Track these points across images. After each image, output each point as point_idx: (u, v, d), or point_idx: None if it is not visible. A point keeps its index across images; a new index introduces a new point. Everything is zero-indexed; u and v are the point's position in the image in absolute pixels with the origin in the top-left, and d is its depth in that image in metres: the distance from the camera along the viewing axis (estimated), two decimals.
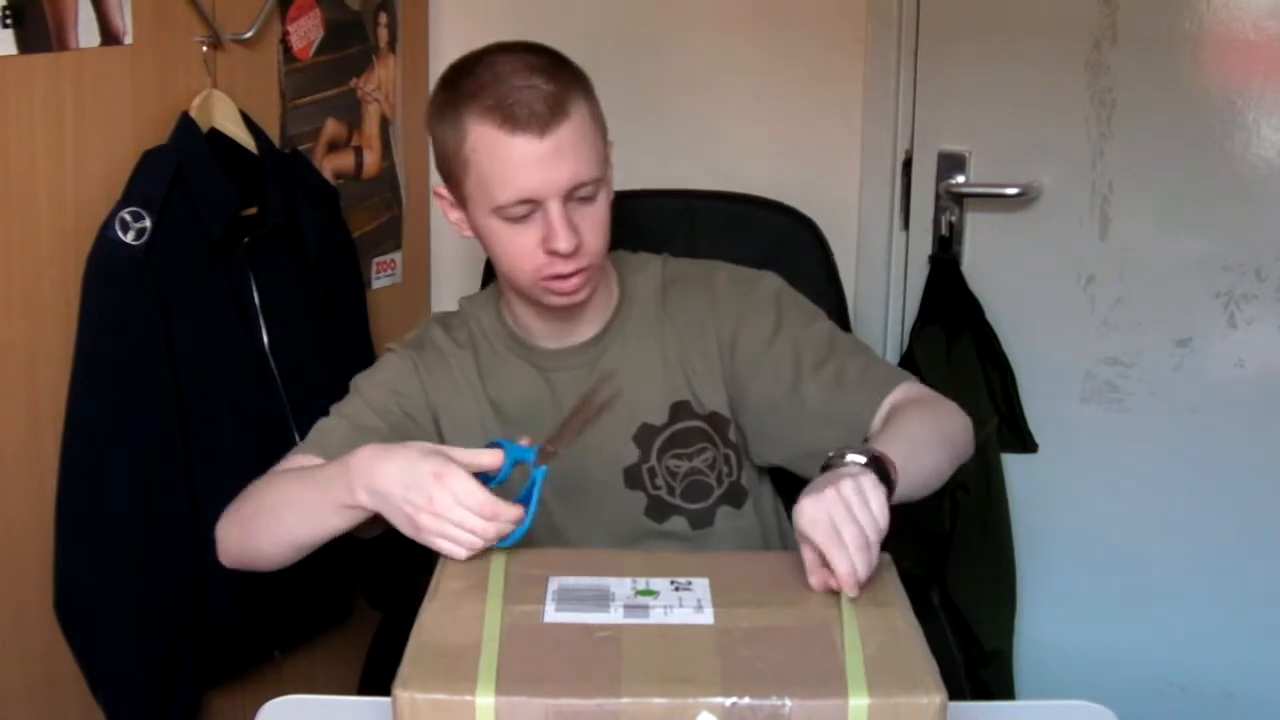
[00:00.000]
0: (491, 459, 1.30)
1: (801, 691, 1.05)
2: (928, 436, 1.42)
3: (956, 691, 1.10)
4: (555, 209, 1.41)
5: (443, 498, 1.24)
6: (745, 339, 1.53)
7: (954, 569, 2.17)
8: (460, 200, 1.48)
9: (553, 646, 1.10)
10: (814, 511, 1.18)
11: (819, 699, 1.04)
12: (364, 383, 1.56)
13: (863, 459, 1.26)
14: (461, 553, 1.25)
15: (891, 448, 1.30)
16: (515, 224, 1.43)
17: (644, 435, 1.54)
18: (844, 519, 1.17)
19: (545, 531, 1.50)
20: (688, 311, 1.56)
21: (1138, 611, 2.22)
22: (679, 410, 1.55)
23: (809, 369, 1.51)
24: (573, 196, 1.42)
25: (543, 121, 1.38)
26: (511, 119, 1.39)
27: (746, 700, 1.04)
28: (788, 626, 1.14)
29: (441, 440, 1.52)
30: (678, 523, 1.55)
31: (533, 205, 1.41)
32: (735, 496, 1.57)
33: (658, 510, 1.55)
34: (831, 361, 1.51)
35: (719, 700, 1.04)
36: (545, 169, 1.39)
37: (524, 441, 1.33)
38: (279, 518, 1.41)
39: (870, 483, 1.21)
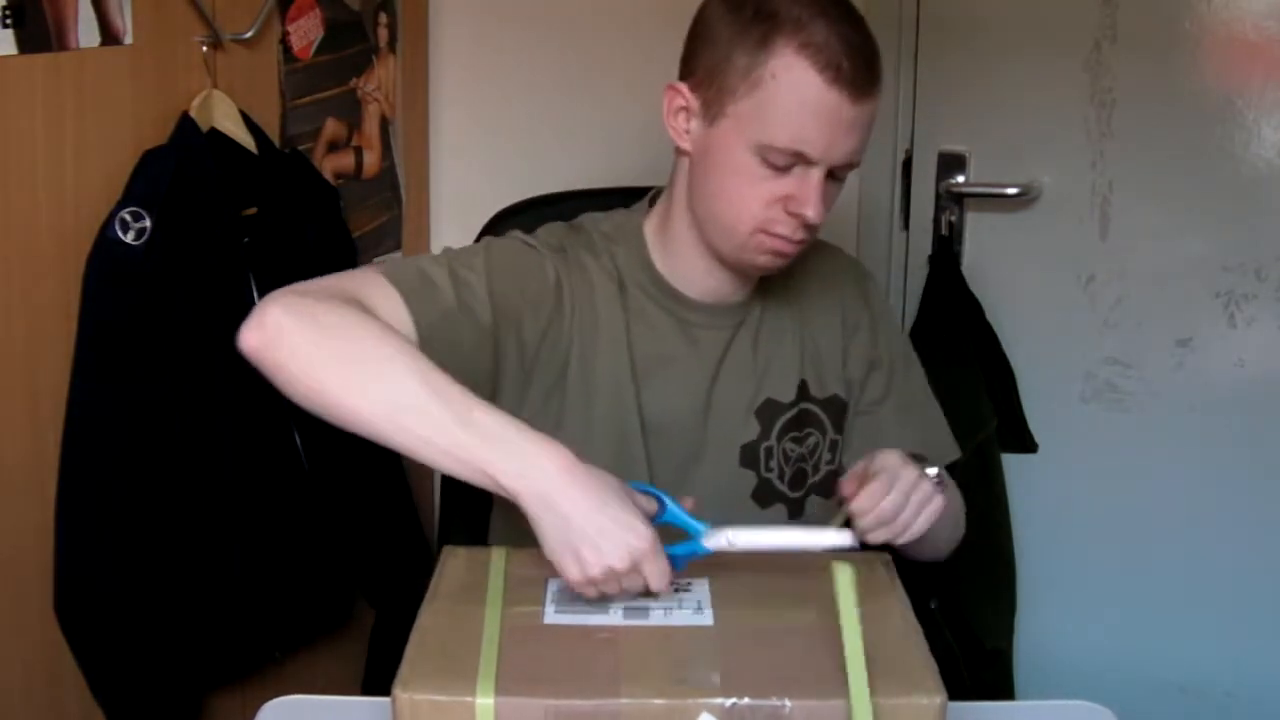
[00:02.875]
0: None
1: (801, 692, 1.05)
2: (954, 514, 1.48)
3: (957, 691, 1.10)
4: (818, 176, 1.32)
5: (633, 581, 1.14)
6: (861, 335, 1.53)
7: (954, 569, 2.17)
8: (709, 113, 1.34)
9: (552, 647, 1.10)
10: (897, 464, 1.25)
11: (819, 699, 1.04)
12: (495, 258, 1.35)
13: (934, 474, 1.29)
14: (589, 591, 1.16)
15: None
16: (769, 170, 1.32)
17: (767, 411, 1.47)
18: (911, 490, 1.24)
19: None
20: (814, 286, 1.52)
21: (1138, 611, 2.22)
22: (803, 390, 1.49)
23: (896, 395, 1.54)
24: (834, 171, 1.34)
25: (862, 88, 1.30)
26: (836, 70, 1.28)
27: (746, 701, 1.04)
28: (787, 627, 1.14)
29: (557, 385, 1.38)
30: (778, 511, 1.49)
31: (799, 159, 1.31)
32: (828, 487, 1.51)
33: (764, 494, 1.48)
34: (918, 404, 1.57)
35: (719, 701, 1.04)
36: (839, 134, 1.31)
37: (687, 505, 1.24)
38: (385, 396, 1.16)
39: (938, 502, 1.28)
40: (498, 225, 1.80)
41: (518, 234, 1.44)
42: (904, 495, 1.25)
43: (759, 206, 1.34)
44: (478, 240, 1.59)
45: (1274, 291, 2.07)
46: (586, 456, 1.17)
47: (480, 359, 1.34)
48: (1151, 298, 2.13)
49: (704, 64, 1.35)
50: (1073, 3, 2.08)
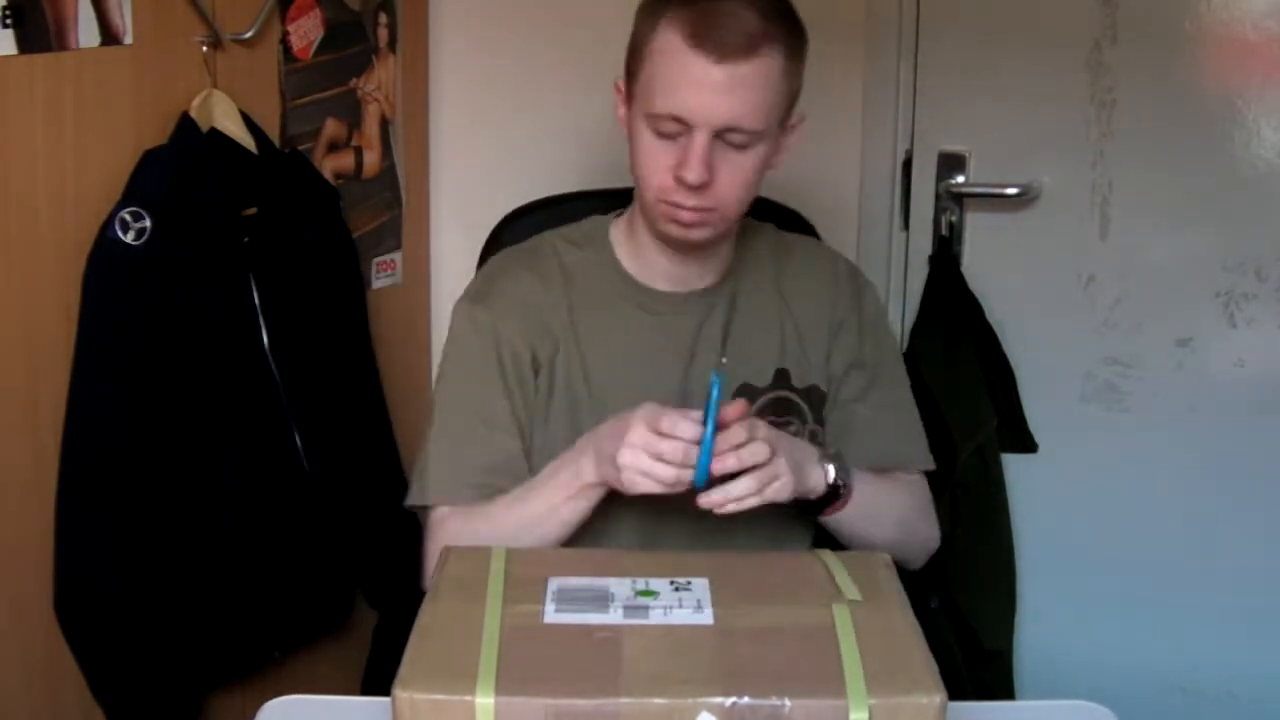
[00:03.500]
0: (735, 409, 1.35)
1: (801, 691, 1.05)
2: (898, 515, 1.54)
3: (957, 691, 1.10)
4: (700, 139, 1.37)
5: (656, 440, 1.31)
6: (847, 336, 1.57)
7: (954, 569, 2.17)
8: (629, 97, 1.45)
9: (552, 647, 1.10)
10: (766, 439, 1.33)
11: (819, 699, 1.04)
12: (464, 395, 1.53)
13: (832, 471, 1.41)
14: (654, 486, 1.33)
15: (868, 489, 1.46)
16: (659, 139, 1.40)
17: (743, 395, 1.52)
18: (773, 448, 1.32)
19: (623, 504, 1.48)
20: (804, 284, 1.57)
21: (1138, 611, 2.22)
22: (780, 378, 1.54)
23: (874, 398, 1.57)
24: (724, 137, 1.38)
25: (727, 50, 1.35)
26: (700, 35, 1.35)
27: (746, 700, 1.04)
28: (788, 626, 1.14)
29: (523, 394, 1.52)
30: None
31: (682, 127, 1.38)
32: None
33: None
34: (893, 408, 1.59)
35: (719, 700, 1.04)
36: (708, 96, 1.36)
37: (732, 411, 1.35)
38: (536, 526, 1.45)
39: (778, 489, 1.35)
40: (505, 229, 1.81)
41: (464, 309, 1.56)
42: (740, 463, 1.32)
43: (657, 176, 1.41)
44: (487, 242, 1.80)
45: (1274, 291, 2.07)
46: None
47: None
48: (1151, 298, 2.13)
49: (628, 57, 1.46)
50: (1073, 3, 2.08)
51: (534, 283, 1.54)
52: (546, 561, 1.26)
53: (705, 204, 1.41)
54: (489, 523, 1.46)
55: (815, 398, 1.56)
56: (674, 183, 1.40)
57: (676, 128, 1.38)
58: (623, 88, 1.47)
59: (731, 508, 1.33)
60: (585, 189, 1.88)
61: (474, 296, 1.56)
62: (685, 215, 1.42)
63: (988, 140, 2.17)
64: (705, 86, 1.36)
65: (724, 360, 1.49)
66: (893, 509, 1.54)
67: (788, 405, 1.54)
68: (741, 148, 1.40)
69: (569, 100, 2.27)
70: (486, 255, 1.79)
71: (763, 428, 1.36)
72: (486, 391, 1.51)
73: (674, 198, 1.41)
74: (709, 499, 1.32)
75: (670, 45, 1.37)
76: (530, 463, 1.52)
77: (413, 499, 1.53)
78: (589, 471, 1.40)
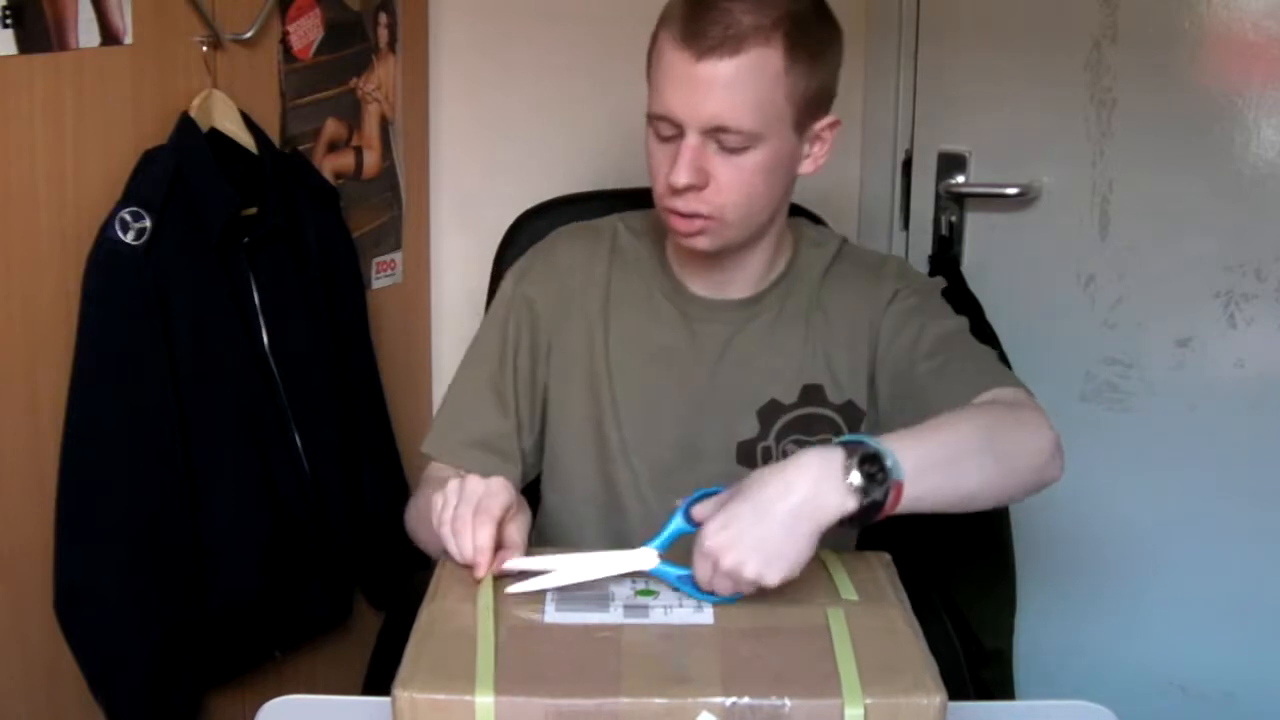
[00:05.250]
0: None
1: (801, 691, 1.05)
2: (975, 446, 1.26)
3: (958, 691, 1.10)
4: (690, 140, 1.35)
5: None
6: (888, 322, 1.47)
7: (954, 569, 2.17)
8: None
9: (552, 646, 1.10)
10: (721, 540, 1.14)
11: (818, 699, 1.04)
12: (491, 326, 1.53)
13: (858, 477, 1.15)
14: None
15: (918, 450, 1.19)
16: (661, 142, 1.38)
17: (769, 412, 1.48)
18: (725, 560, 1.14)
19: (635, 499, 1.49)
20: (846, 297, 1.50)
21: (1138, 611, 2.22)
22: (811, 394, 1.49)
23: (923, 355, 1.44)
24: (718, 139, 1.35)
25: (708, 47, 1.32)
26: (686, 33, 1.33)
27: (746, 700, 1.04)
28: (787, 627, 1.14)
29: (547, 368, 1.51)
30: None
31: (677, 130, 1.35)
32: None
33: None
34: (944, 354, 1.44)
35: (719, 700, 1.04)
36: (689, 93, 1.33)
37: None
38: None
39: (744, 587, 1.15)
40: (520, 228, 1.82)
41: (508, 278, 1.55)
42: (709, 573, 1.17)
43: (657, 182, 1.39)
44: (502, 241, 1.81)
45: (1274, 291, 2.07)
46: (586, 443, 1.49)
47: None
48: (1151, 298, 2.13)
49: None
50: (1073, 3, 2.08)
51: (582, 261, 1.53)
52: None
53: (701, 209, 1.37)
54: (424, 496, 1.42)
55: (852, 414, 1.50)
56: (667, 188, 1.37)
57: (672, 130, 1.36)
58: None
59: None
60: (597, 189, 1.88)
61: (518, 268, 1.56)
62: (680, 222, 1.39)
63: (988, 140, 2.17)
64: (689, 84, 1.33)
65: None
66: (970, 444, 1.26)
67: (818, 422, 1.49)
68: (738, 150, 1.35)
69: (570, 100, 2.27)
70: (501, 254, 1.80)
71: (709, 537, 1.16)
72: (495, 365, 1.52)
73: (671, 203, 1.38)
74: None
75: (663, 45, 1.36)
76: (547, 439, 1.53)
77: (423, 446, 1.55)
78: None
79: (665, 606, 1.16)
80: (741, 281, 1.50)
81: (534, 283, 1.53)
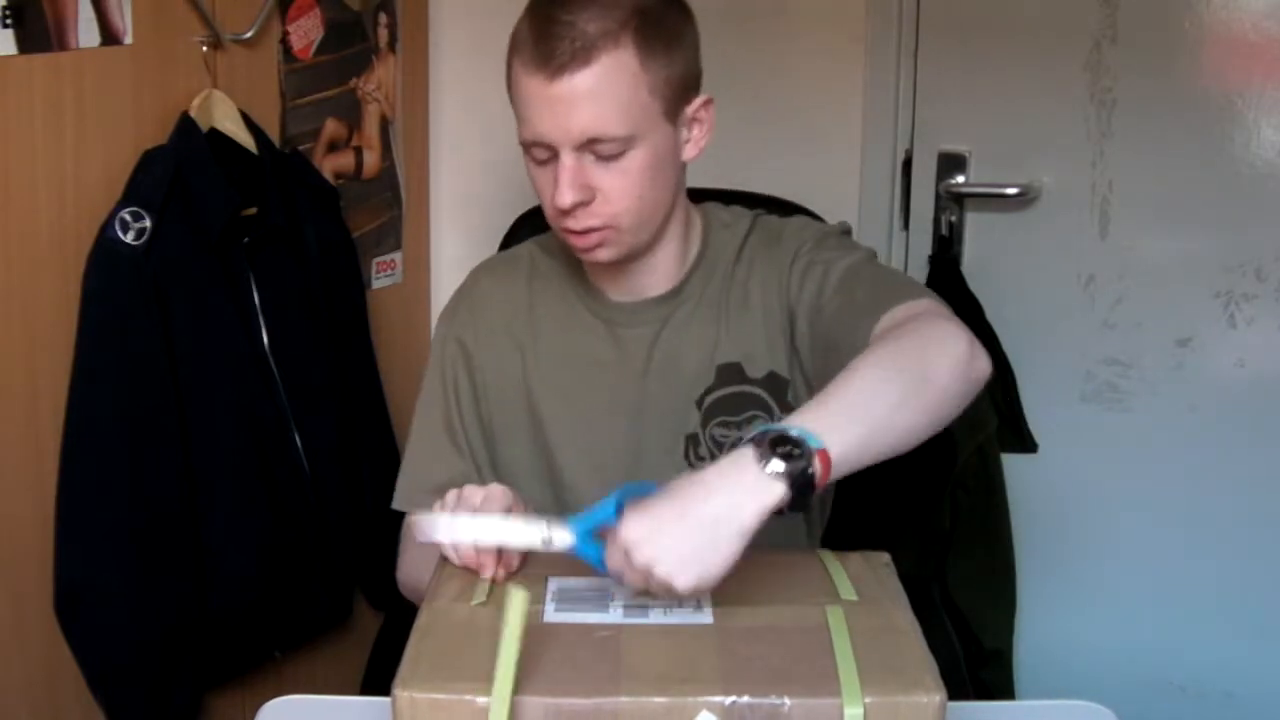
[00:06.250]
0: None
1: (800, 690, 1.05)
2: (884, 381, 1.18)
3: (958, 691, 1.10)
4: (565, 160, 1.32)
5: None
6: (794, 280, 1.43)
7: (954, 569, 2.17)
8: None
9: (552, 646, 1.10)
10: (638, 534, 1.09)
11: (818, 698, 1.04)
12: (435, 374, 1.53)
13: (780, 464, 1.09)
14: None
15: (827, 411, 1.13)
16: (538, 166, 1.36)
17: (704, 400, 1.46)
18: (646, 563, 1.09)
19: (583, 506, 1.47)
20: (758, 270, 1.47)
21: (1138, 611, 2.22)
22: (727, 373, 1.46)
23: (829, 297, 1.39)
24: (593, 150, 1.32)
25: (559, 65, 1.29)
26: (532, 56, 1.30)
27: (746, 699, 1.04)
28: (787, 626, 1.14)
29: (488, 403, 1.50)
30: None
31: (551, 150, 1.33)
32: None
33: None
34: (846, 288, 1.38)
35: (718, 699, 1.04)
36: (553, 114, 1.31)
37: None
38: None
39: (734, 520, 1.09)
40: (519, 228, 1.82)
41: (440, 322, 1.56)
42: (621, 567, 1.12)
43: (548, 205, 1.37)
44: (504, 239, 1.80)
45: (1274, 291, 2.07)
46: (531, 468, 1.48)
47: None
48: (1151, 298, 2.13)
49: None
50: (1073, 3, 2.08)
51: (502, 292, 1.52)
52: (547, 561, 1.26)
53: (594, 223, 1.35)
54: (409, 549, 1.47)
55: (776, 384, 1.45)
56: (556, 210, 1.35)
57: (546, 153, 1.34)
58: None
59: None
60: None
61: (446, 310, 1.56)
62: (577, 239, 1.37)
63: (988, 140, 2.17)
64: (549, 104, 1.30)
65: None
66: (879, 384, 1.18)
67: (741, 400, 1.45)
68: (615, 156, 1.33)
69: None
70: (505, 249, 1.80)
71: (627, 528, 1.11)
72: (441, 410, 1.52)
73: (564, 223, 1.36)
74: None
75: (517, 72, 1.33)
76: (498, 471, 1.50)
77: (393, 502, 1.54)
78: None
79: (665, 606, 1.16)
80: (657, 279, 1.47)
81: (460, 324, 1.53)
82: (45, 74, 1.59)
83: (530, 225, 1.80)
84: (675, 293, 1.48)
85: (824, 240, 1.47)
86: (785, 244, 1.47)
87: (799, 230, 1.49)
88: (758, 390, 1.46)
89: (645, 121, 1.33)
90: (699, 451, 1.46)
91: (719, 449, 1.45)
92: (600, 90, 1.30)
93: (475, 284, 1.56)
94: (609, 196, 1.34)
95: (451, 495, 1.25)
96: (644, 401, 1.47)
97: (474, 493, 1.24)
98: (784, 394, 1.46)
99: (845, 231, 1.52)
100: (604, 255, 1.39)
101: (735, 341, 1.46)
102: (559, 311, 1.51)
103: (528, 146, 1.35)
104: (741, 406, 1.46)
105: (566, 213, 1.34)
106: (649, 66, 1.32)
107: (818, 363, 1.41)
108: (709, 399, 1.46)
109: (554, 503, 1.50)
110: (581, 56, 1.29)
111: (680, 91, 1.37)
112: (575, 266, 1.51)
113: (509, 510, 1.24)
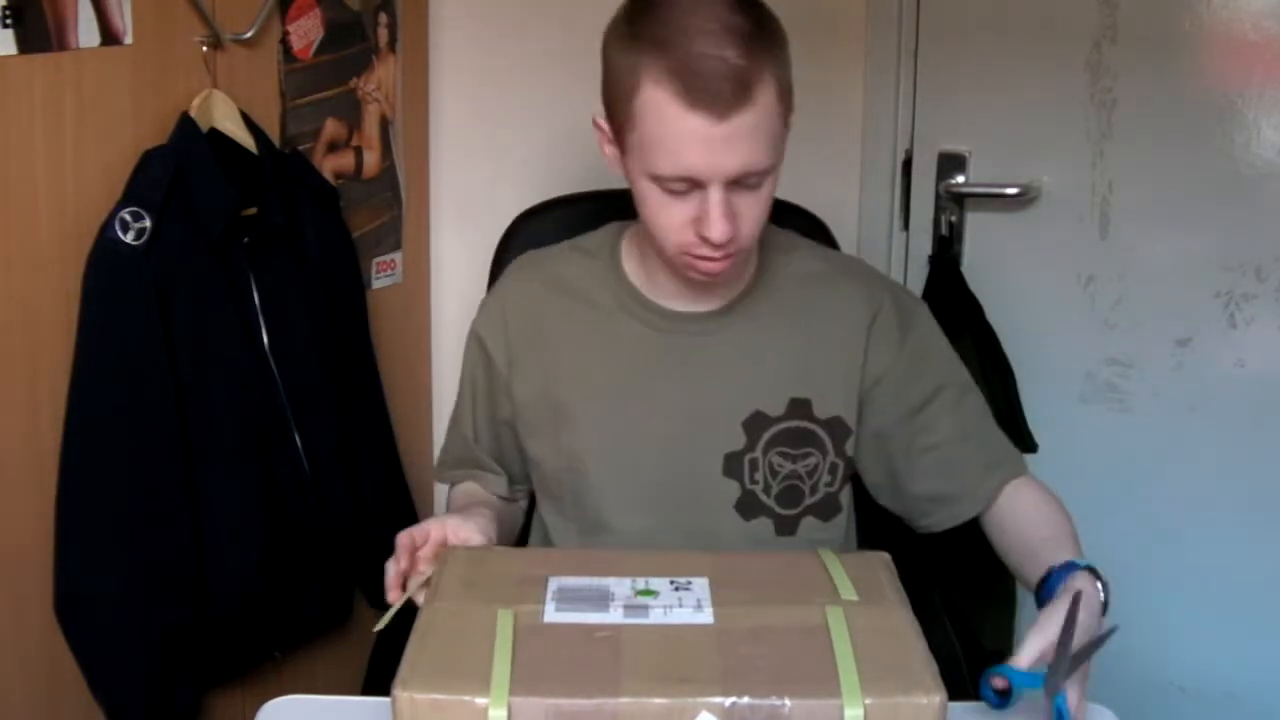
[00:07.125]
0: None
1: (801, 691, 1.05)
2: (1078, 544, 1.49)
3: (958, 691, 1.10)
4: (716, 195, 1.30)
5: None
6: (876, 351, 1.48)
7: (954, 569, 2.17)
8: (620, 142, 1.36)
9: (553, 646, 1.10)
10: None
11: (818, 698, 1.04)
12: (466, 373, 1.59)
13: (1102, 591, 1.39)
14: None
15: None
16: (670, 195, 1.32)
17: (755, 423, 1.46)
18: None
19: (618, 513, 1.49)
20: (833, 308, 1.48)
21: (1138, 611, 2.21)
22: (797, 407, 1.47)
23: (921, 428, 1.48)
24: (741, 182, 1.31)
25: (725, 104, 1.26)
26: (690, 92, 1.25)
27: (746, 700, 1.04)
28: (787, 626, 1.14)
29: (509, 401, 1.54)
30: (763, 525, 1.49)
31: (693, 184, 1.31)
32: (827, 509, 1.51)
33: (748, 506, 1.48)
34: (941, 435, 1.49)
35: (718, 700, 1.04)
36: (715, 154, 1.28)
37: (1021, 663, 1.22)
38: None
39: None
40: (519, 228, 1.81)
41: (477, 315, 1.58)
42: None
43: (673, 231, 1.34)
44: (500, 242, 1.78)
45: (1274, 291, 2.07)
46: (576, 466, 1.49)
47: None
48: (1151, 298, 2.13)
49: (604, 95, 1.37)
50: (1073, 3, 2.08)
51: (534, 291, 1.53)
52: (547, 561, 1.26)
53: (730, 250, 1.34)
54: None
55: (838, 429, 1.48)
56: (697, 239, 1.33)
57: (687, 186, 1.31)
58: (605, 127, 1.38)
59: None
60: (597, 189, 1.88)
61: (480, 305, 1.58)
62: (713, 266, 1.36)
63: (988, 140, 2.17)
64: (709, 145, 1.27)
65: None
66: (1077, 542, 1.55)
67: (805, 436, 1.47)
68: (757, 186, 1.33)
69: (569, 100, 2.25)
70: (500, 254, 1.80)
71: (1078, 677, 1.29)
72: (464, 401, 1.60)
73: (698, 251, 1.34)
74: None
75: (661, 106, 1.28)
76: (529, 465, 1.56)
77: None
78: None
79: (665, 606, 1.16)
80: (721, 290, 1.47)
81: (484, 322, 1.55)
82: (45, 74, 1.59)
83: (530, 225, 1.80)
84: (728, 309, 1.48)
85: (910, 316, 1.52)
86: (864, 294, 1.50)
87: (878, 283, 1.54)
88: (820, 431, 1.48)
89: (780, 147, 1.34)
90: (754, 476, 1.47)
91: (774, 477, 1.48)
92: (759, 126, 1.29)
93: (504, 282, 1.58)
94: (744, 225, 1.34)
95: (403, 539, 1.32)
96: (687, 411, 1.47)
97: (415, 534, 1.33)
98: (844, 441, 1.49)
99: (940, 285, 1.59)
100: (723, 275, 1.40)
101: (801, 374, 1.47)
102: (590, 317, 1.50)
103: (665, 180, 1.31)
104: (803, 442, 1.48)
105: (716, 245, 1.33)
106: (783, 98, 1.33)
107: (877, 453, 1.51)
108: (777, 427, 1.47)
109: (574, 501, 1.51)
110: (743, 93, 1.27)
111: (791, 106, 1.37)
112: (616, 268, 1.51)
113: (441, 543, 1.32)
